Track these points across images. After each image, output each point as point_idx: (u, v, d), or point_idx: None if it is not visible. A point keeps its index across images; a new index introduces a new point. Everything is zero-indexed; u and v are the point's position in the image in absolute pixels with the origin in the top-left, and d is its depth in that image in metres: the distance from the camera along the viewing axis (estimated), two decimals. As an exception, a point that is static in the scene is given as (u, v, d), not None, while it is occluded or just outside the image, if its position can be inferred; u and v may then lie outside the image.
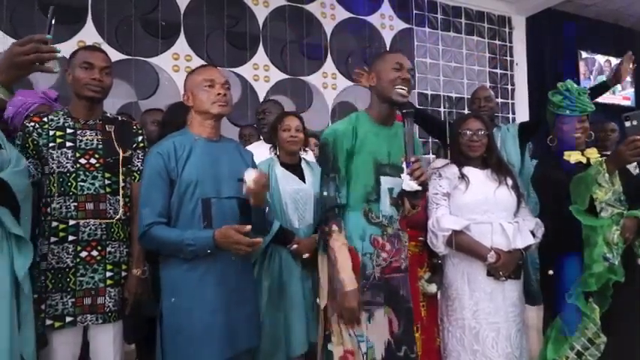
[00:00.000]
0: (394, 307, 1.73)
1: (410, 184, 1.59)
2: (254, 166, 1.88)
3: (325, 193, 1.71)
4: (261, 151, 2.35)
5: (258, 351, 1.93)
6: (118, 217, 1.77)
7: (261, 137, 2.88)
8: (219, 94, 1.68)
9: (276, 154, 2.34)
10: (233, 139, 1.88)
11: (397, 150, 1.72)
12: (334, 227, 1.68)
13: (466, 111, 3.68)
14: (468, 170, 2.04)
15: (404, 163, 1.62)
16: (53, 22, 1.26)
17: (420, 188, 1.59)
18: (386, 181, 1.75)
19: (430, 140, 4.86)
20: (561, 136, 2.13)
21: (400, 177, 1.63)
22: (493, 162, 2.07)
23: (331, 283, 1.72)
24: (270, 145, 2.40)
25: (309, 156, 2.51)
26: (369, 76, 1.82)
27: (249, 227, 1.57)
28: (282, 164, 2.29)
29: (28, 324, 1.50)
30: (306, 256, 2.13)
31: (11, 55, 1.19)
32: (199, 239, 1.58)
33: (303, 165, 2.36)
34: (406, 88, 1.72)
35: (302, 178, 2.30)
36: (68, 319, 1.69)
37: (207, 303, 1.63)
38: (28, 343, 1.49)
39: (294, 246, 2.15)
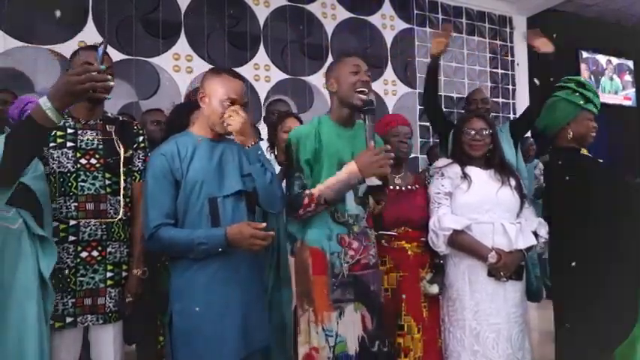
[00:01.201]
0: (366, 303, 1.75)
1: (371, 179, 1.63)
2: (262, 156, 1.87)
3: (290, 193, 1.74)
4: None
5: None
6: (118, 217, 1.77)
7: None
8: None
9: (274, 153, 2.35)
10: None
11: (360, 150, 1.72)
12: (306, 192, 1.69)
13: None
14: (470, 170, 2.03)
15: None
16: (104, 52, 1.37)
17: (380, 183, 1.63)
18: None
19: (431, 140, 4.86)
20: (584, 132, 2.08)
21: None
22: (496, 162, 2.06)
23: (299, 285, 1.75)
24: (267, 145, 2.40)
25: None
26: (328, 82, 1.83)
27: (264, 224, 1.58)
28: (280, 164, 2.30)
29: (48, 324, 1.55)
30: None
31: (67, 84, 1.28)
32: (211, 237, 1.57)
33: None
34: (366, 90, 1.74)
35: None
36: (68, 319, 1.69)
37: (220, 302, 1.61)
38: (47, 341, 1.53)
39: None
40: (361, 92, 1.72)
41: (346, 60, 1.79)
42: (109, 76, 1.32)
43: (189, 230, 1.59)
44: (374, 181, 1.64)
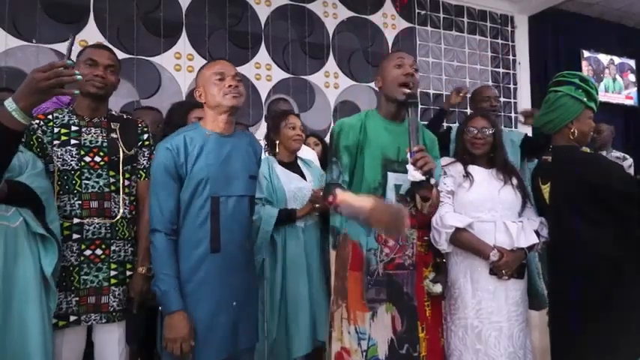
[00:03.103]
0: (397, 304, 1.71)
1: (413, 174, 1.53)
2: (260, 160, 1.86)
3: (328, 177, 1.72)
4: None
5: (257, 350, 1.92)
6: (119, 216, 1.76)
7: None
8: (230, 85, 1.65)
9: (273, 153, 2.33)
10: (246, 132, 1.87)
11: (405, 147, 1.64)
12: (337, 190, 1.59)
13: (468, 110, 3.67)
14: (472, 168, 2.03)
15: (408, 153, 1.57)
16: (73, 48, 1.33)
17: (424, 178, 1.52)
18: (393, 178, 1.72)
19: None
20: (586, 131, 1.99)
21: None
22: (499, 161, 2.06)
23: (337, 279, 1.72)
24: (265, 144, 2.39)
25: (303, 153, 2.49)
26: (375, 79, 1.82)
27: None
28: (280, 163, 2.29)
29: (50, 321, 1.56)
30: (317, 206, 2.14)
31: (33, 80, 1.23)
32: (166, 297, 1.56)
33: (300, 163, 2.37)
34: (410, 84, 1.71)
35: (301, 176, 2.31)
36: (72, 318, 1.69)
37: (210, 302, 1.62)
38: (49, 340, 1.54)
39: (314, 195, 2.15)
40: (404, 85, 1.69)
41: (391, 55, 1.79)
42: (77, 72, 1.27)
43: (170, 266, 1.59)
44: (416, 176, 1.51)
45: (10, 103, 1.24)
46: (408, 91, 1.69)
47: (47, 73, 1.23)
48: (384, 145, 1.72)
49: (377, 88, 1.83)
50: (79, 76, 1.27)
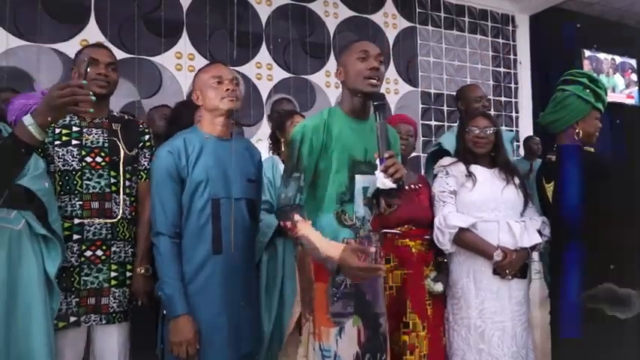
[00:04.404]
0: (362, 315, 1.58)
1: (384, 182, 1.43)
2: (260, 165, 1.87)
3: (283, 194, 1.53)
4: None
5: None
6: (119, 217, 1.76)
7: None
8: (227, 89, 1.67)
9: (277, 153, 2.33)
10: (244, 137, 1.88)
11: (374, 146, 1.52)
12: (296, 217, 1.47)
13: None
14: (475, 168, 2.03)
15: (377, 159, 1.46)
16: (88, 70, 1.47)
17: (394, 186, 1.43)
18: (360, 180, 1.59)
19: (433, 139, 4.85)
20: (592, 132, 1.98)
21: (375, 174, 1.47)
22: (500, 161, 2.06)
23: (303, 291, 1.60)
24: (270, 143, 2.38)
25: None
26: (337, 71, 1.65)
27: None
28: (285, 162, 2.29)
29: (54, 322, 1.57)
30: None
31: (50, 98, 1.28)
32: (171, 301, 1.57)
33: None
34: (376, 78, 1.56)
35: None
36: (72, 319, 1.69)
37: (213, 305, 1.62)
38: (53, 341, 1.54)
39: None
40: (370, 78, 1.55)
41: (354, 46, 1.62)
42: (90, 92, 1.32)
43: (175, 269, 1.60)
44: (387, 184, 1.44)
45: (28, 118, 1.30)
46: (374, 82, 1.56)
47: (63, 91, 1.27)
48: (350, 146, 1.58)
49: (339, 82, 1.66)
50: (93, 97, 1.32)
